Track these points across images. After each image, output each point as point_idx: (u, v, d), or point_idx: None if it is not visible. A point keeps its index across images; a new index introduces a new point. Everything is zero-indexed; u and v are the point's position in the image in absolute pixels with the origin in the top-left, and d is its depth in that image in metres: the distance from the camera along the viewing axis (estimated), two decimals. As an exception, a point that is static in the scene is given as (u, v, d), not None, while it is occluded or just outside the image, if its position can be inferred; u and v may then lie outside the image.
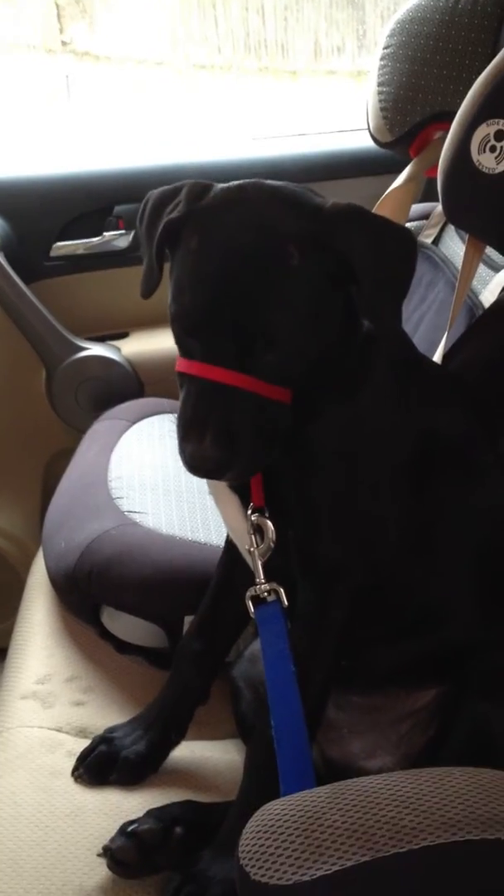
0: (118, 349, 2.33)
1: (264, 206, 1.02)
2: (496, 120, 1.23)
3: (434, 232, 1.84)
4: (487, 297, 1.54)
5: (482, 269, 1.57)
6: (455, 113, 1.30)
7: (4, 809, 1.22)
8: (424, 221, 1.87)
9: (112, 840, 1.15)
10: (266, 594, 1.16)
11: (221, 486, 1.19)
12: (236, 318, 0.98)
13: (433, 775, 0.90)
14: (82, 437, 2.05)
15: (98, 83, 4.04)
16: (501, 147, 1.24)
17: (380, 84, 1.63)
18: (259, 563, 1.16)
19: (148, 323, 2.33)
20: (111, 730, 1.34)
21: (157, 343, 2.29)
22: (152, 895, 1.12)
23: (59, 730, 1.38)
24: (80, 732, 1.38)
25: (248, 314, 0.98)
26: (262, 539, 1.15)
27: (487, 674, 1.18)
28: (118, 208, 2.32)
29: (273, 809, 0.88)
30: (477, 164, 1.26)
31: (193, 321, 1.01)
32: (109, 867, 1.13)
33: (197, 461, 1.01)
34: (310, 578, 1.15)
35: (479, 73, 1.27)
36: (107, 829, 1.17)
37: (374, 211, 1.58)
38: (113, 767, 1.28)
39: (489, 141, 1.24)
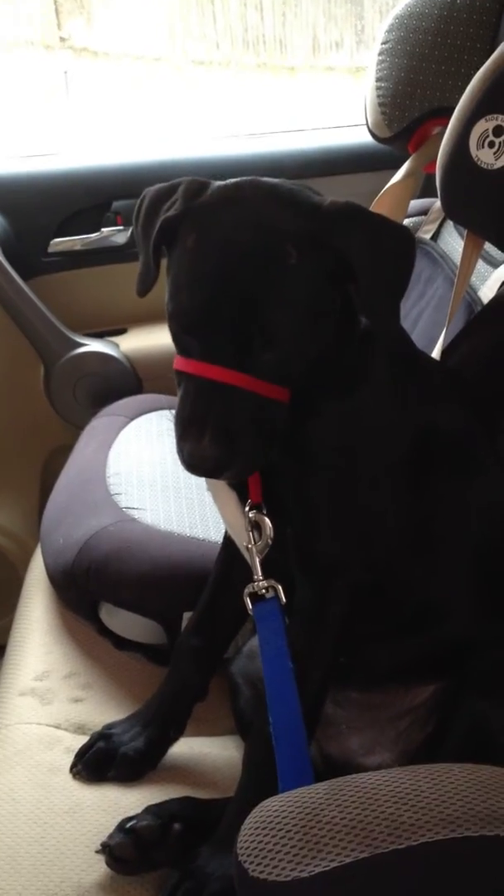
0: (116, 345, 2.33)
1: (262, 204, 1.02)
2: (495, 115, 1.23)
3: (433, 228, 1.83)
4: (486, 293, 1.54)
5: (481, 265, 1.56)
6: (453, 108, 1.29)
7: (3, 806, 1.22)
8: (423, 217, 1.87)
9: (110, 836, 1.15)
10: (264, 591, 1.16)
11: (220, 482, 1.19)
12: (234, 317, 0.98)
13: (432, 772, 0.90)
14: (80, 433, 2.05)
15: (96, 79, 4.03)
16: (500, 142, 1.23)
17: (378, 79, 1.62)
18: (257, 560, 1.16)
19: (146, 319, 2.33)
20: (109, 726, 1.34)
21: (155, 339, 2.28)
22: (151, 891, 1.12)
23: (57, 726, 1.38)
24: (79, 729, 1.38)
25: (246, 313, 0.98)
26: (260, 536, 1.15)
27: (486, 671, 1.19)
28: (116, 204, 2.32)
29: (271, 806, 0.88)
30: (475, 159, 1.25)
31: (191, 320, 1.01)
32: (108, 864, 1.13)
33: (195, 460, 1.01)
34: (308, 575, 1.15)
35: (478, 69, 1.27)
36: (105, 826, 1.17)
37: (372, 207, 1.59)
38: (111, 764, 1.28)
39: (488, 136, 1.24)
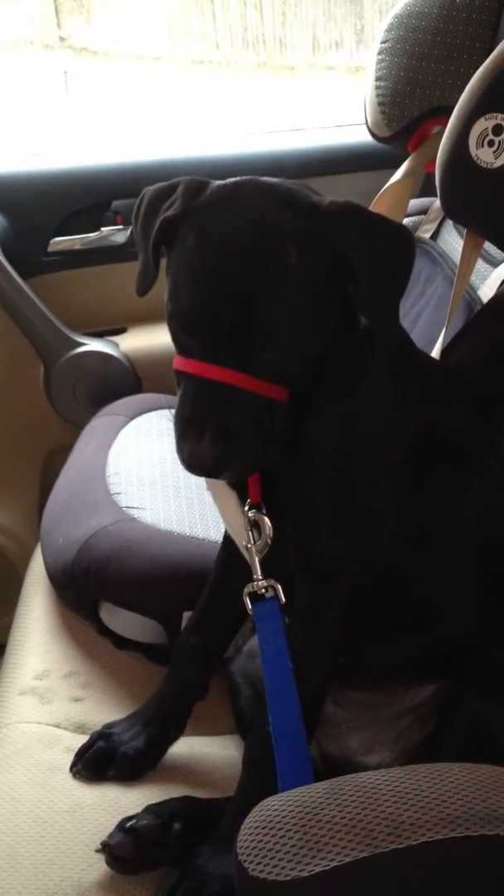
0: (116, 345, 2.33)
1: (261, 204, 1.02)
2: (494, 114, 1.23)
3: (432, 227, 1.83)
4: (486, 293, 1.54)
5: (480, 265, 1.56)
6: (453, 107, 1.29)
7: (2, 805, 1.22)
8: (423, 216, 1.87)
9: (110, 836, 1.15)
10: (264, 590, 1.16)
11: (219, 482, 1.19)
12: (234, 317, 0.98)
13: (432, 771, 0.90)
14: (80, 432, 2.05)
15: (96, 79, 4.03)
16: (499, 141, 1.23)
17: (377, 79, 1.62)
18: (256, 560, 1.16)
19: (146, 318, 2.33)
20: (109, 725, 1.34)
21: (155, 338, 2.28)
22: (150, 891, 1.12)
23: (57, 725, 1.38)
24: (79, 728, 1.38)
25: (245, 313, 0.98)
26: (260, 535, 1.15)
27: (486, 670, 1.18)
28: (116, 203, 2.32)
29: (271, 805, 0.88)
30: (475, 158, 1.25)
31: (191, 320, 1.01)
32: (108, 863, 1.13)
33: (195, 460, 1.01)
34: (307, 575, 1.15)
35: (477, 68, 1.26)
36: (105, 825, 1.17)
37: (371, 206, 1.59)
38: (111, 763, 1.28)
39: (487, 135, 1.24)
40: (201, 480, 1.24)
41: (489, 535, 1.24)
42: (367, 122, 1.68)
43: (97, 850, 1.15)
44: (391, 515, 1.16)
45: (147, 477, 1.77)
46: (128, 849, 1.13)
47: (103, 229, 2.32)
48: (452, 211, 1.38)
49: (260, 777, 1.11)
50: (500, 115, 1.23)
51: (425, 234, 1.83)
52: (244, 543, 1.17)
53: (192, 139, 2.60)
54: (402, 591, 1.21)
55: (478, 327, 1.43)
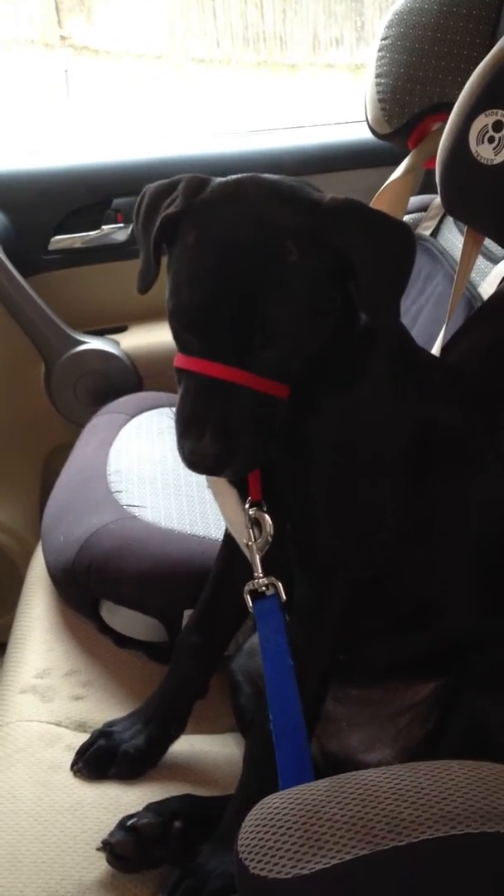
0: (117, 343, 2.33)
1: (262, 201, 1.02)
2: (494, 110, 1.23)
3: (432, 224, 1.83)
4: (486, 290, 1.53)
5: (481, 261, 1.56)
6: (453, 104, 1.29)
7: (3, 803, 1.23)
8: (423, 213, 1.87)
9: (111, 834, 1.15)
10: (264, 588, 1.16)
11: (220, 480, 1.19)
12: (234, 314, 0.98)
13: (432, 768, 0.90)
14: (81, 431, 2.05)
15: (97, 77, 4.03)
16: (500, 138, 1.23)
17: (378, 75, 1.62)
18: (257, 557, 1.16)
19: (147, 317, 2.32)
20: (110, 724, 1.34)
21: (155, 337, 2.28)
22: (151, 889, 1.12)
23: (58, 724, 1.38)
24: (80, 726, 1.38)
25: (246, 310, 0.98)
26: (261, 533, 1.15)
27: (486, 668, 1.18)
28: (116, 201, 2.32)
29: (272, 803, 0.88)
30: (475, 155, 1.25)
31: (191, 317, 1.01)
32: (109, 861, 1.13)
33: (196, 458, 1.01)
34: (308, 572, 1.15)
35: (477, 64, 1.26)
36: (106, 824, 1.18)
37: (372, 203, 1.58)
38: (112, 761, 1.28)
39: (487, 132, 1.24)
40: (202, 478, 1.24)
41: (489, 533, 1.24)
42: (367, 119, 1.68)
43: (98, 849, 1.15)
44: (391, 512, 1.16)
45: (148, 475, 1.77)
46: (129, 847, 1.13)
47: (104, 227, 2.32)
48: (453, 208, 1.38)
49: (261, 775, 1.11)
50: (500, 112, 1.23)
51: (426, 231, 1.83)
52: (245, 541, 1.17)
53: (192, 137, 2.59)
54: (402, 589, 1.21)
55: (478, 324, 1.43)
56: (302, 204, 1.02)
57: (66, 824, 1.19)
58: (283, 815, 0.85)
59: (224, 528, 1.32)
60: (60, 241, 2.31)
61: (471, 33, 1.58)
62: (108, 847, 1.14)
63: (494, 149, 1.24)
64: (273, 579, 1.15)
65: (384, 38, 1.64)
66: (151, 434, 1.97)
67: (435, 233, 1.82)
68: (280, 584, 1.15)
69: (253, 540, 1.15)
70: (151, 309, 2.14)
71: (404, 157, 1.67)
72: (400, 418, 1.16)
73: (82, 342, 2.28)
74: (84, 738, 1.32)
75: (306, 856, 0.81)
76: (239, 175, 1.06)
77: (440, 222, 1.83)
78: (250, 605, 1.16)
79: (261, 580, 1.16)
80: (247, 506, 1.15)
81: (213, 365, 1.00)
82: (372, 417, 1.13)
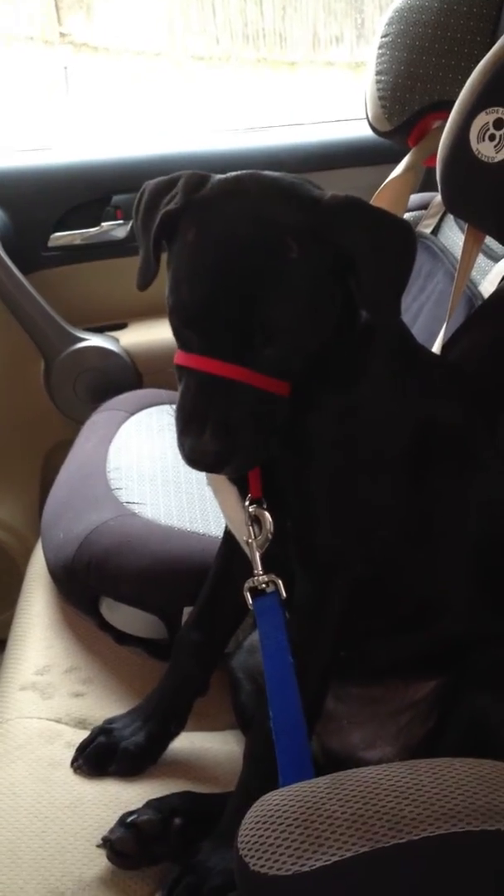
0: (116, 340, 2.33)
1: (262, 198, 1.01)
2: (495, 108, 1.23)
3: (433, 222, 1.83)
4: (487, 288, 1.53)
5: (481, 260, 1.56)
6: (454, 102, 1.29)
7: (4, 800, 1.23)
8: (423, 211, 1.87)
9: (111, 831, 1.15)
10: (264, 585, 1.16)
11: (220, 477, 1.19)
12: (235, 312, 0.98)
13: (433, 766, 0.90)
14: (81, 428, 2.05)
15: (96, 74, 4.03)
16: (500, 136, 1.23)
17: (378, 73, 1.62)
18: (257, 555, 1.16)
19: (146, 314, 2.32)
20: (110, 721, 1.34)
21: (155, 334, 2.28)
22: (152, 886, 1.12)
23: (58, 721, 1.39)
24: (80, 723, 1.38)
25: (246, 308, 0.98)
26: (261, 530, 1.15)
27: (486, 666, 1.18)
28: (116, 198, 2.31)
29: (272, 800, 0.88)
30: (476, 152, 1.25)
31: (192, 314, 1.01)
32: (109, 858, 1.13)
33: (196, 455, 1.01)
34: (308, 569, 1.15)
35: (478, 62, 1.26)
36: (106, 820, 1.18)
37: (372, 201, 1.58)
38: (112, 758, 1.28)
39: (488, 129, 1.23)
40: (202, 476, 1.24)
41: (489, 532, 1.24)
42: (367, 117, 1.68)
43: (98, 845, 1.15)
44: (391, 510, 1.16)
45: (147, 472, 1.77)
46: (129, 844, 1.13)
47: (103, 224, 2.32)
48: (453, 206, 1.38)
49: (261, 772, 1.11)
50: (500, 109, 1.23)
51: (426, 229, 1.83)
52: (245, 538, 1.17)
53: (192, 134, 2.59)
54: (402, 587, 1.21)
55: (479, 322, 1.43)
56: (302, 201, 1.02)
57: (67, 821, 1.19)
58: (284, 812, 0.85)
59: (224, 525, 1.32)
60: (60, 237, 2.31)
61: (471, 31, 1.58)
62: (108, 844, 1.14)
63: (495, 146, 1.24)
64: (273, 577, 1.15)
65: (384, 36, 1.64)
66: (151, 431, 1.97)
67: (435, 231, 1.82)
68: (280, 582, 1.15)
69: (253, 537, 1.15)
70: (151, 306, 2.13)
71: (405, 155, 1.67)
72: (400, 416, 1.16)
73: (82, 339, 2.28)
74: (84, 734, 1.32)
75: (307, 853, 0.81)
76: (239, 172, 1.06)
77: (441, 220, 1.83)
78: (250, 602, 1.16)
79: (261, 577, 1.15)
80: (247, 503, 1.15)
81: (213, 362, 0.99)
82: (372, 415, 1.13)
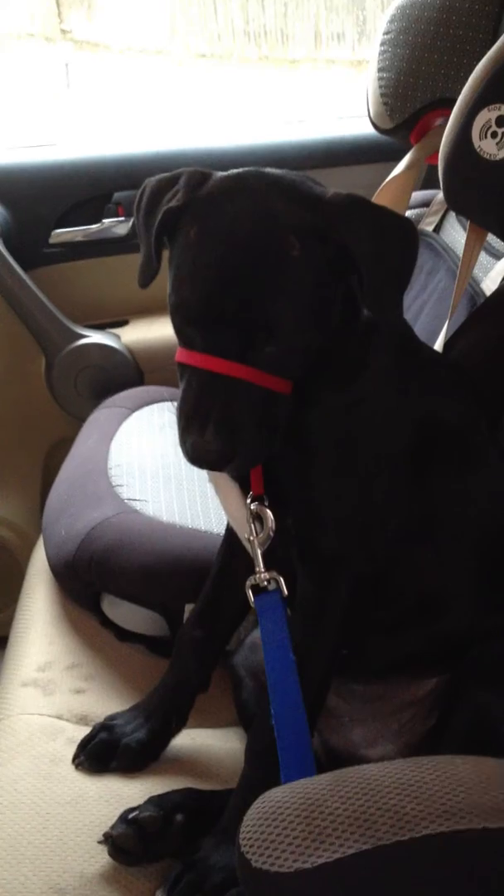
0: (118, 337, 2.33)
1: (264, 195, 1.01)
2: (497, 105, 1.23)
3: (435, 219, 1.83)
4: (489, 285, 1.53)
5: (484, 257, 1.56)
6: (456, 99, 1.29)
7: (5, 797, 1.23)
8: (425, 209, 1.87)
9: (113, 827, 1.15)
10: (266, 583, 1.16)
11: (222, 474, 1.19)
12: (237, 310, 0.98)
13: (435, 763, 0.90)
14: (82, 425, 2.05)
15: (97, 72, 4.03)
16: (503, 132, 1.23)
17: (380, 70, 1.62)
18: (259, 552, 1.16)
19: (148, 311, 2.33)
20: (112, 717, 1.34)
21: (156, 331, 2.29)
22: (153, 882, 1.12)
23: (59, 717, 1.39)
24: (81, 720, 1.38)
25: (248, 305, 0.98)
26: (262, 527, 1.15)
27: (488, 663, 1.18)
28: (117, 195, 2.32)
29: (274, 797, 0.88)
30: (478, 150, 1.25)
31: (194, 312, 1.00)
32: (110, 854, 1.13)
33: (199, 453, 1.00)
34: (309, 567, 1.15)
35: (480, 59, 1.26)
36: (107, 817, 1.18)
37: (374, 198, 1.58)
38: (114, 755, 1.28)
39: (490, 126, 1.23)
40: (203, 473, 1.24)
41: (491, 528, 1.24)
42: (369, 114, 1.68)
43: (100, 842, 1.15)
44: (392, 507, 1.16)
45: (149, 469, 1.77)
46: (130, 840, 1.13)
47: (105, 221, 2.32)
48: (455, 203, 1.38)
49: (263, 769, 1.11)
50: (503, 106, 1.23)
51: (428, 226, 1.83)
52: (247, 536, 1.17)
53: (193, 131, 2.59)
54: (403, 584, 1.21)
55: (480, 320, 1.43)
56: (304, 199, 1.02)
57: (68, 817, 1.19)
58: (285, 808, 0.85)
59: (225, 522, 1.32)
60: (61, 234, 2.31)
61: (473, 28, 1.58)
62: (109, 840, 1.14)
63: (497, 143, 1.24)
64: (275, 574, 1.15)
65: (387, 33, 1.64)
66: (153, 428, 1.97)
67: (437, 228, 1.82)
68: (282, 579, 1.15)
69: (255, 535, 1.15)
70: (152, 303, 2.14)
71: (407, 153, 1.67)
72: (402, 413, 1.16)
73: (83, 336, 2.28)
74: (86, 731, 1.32)
75: (308, 850, 0.81)
76: (241, 169, 1.06)
77: (443, 218, 1.83)
78: (252, 599, 1.16)
79: (262, 575, 1.16)
80: (248, 500, 1.15)
81: (215, 360, 0.99)
82: (374, 412, 1.13)
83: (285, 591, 1.15)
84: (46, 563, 1.67)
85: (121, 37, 4.00)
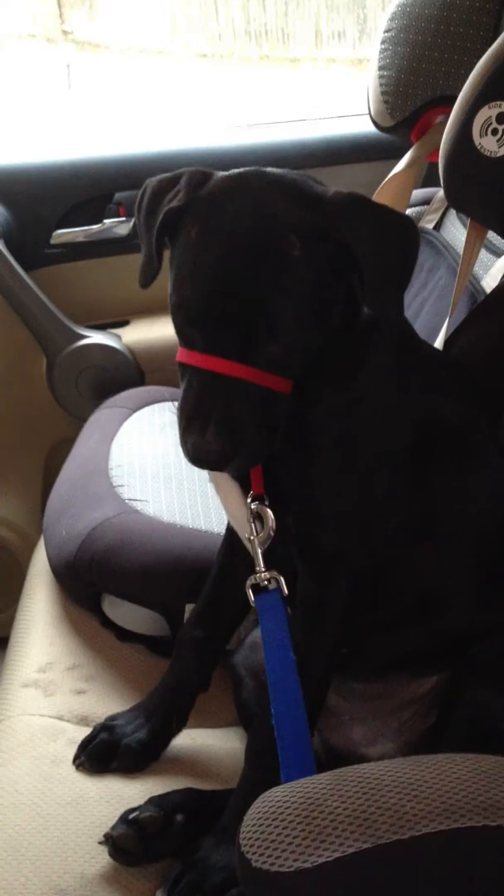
0: (119, 337, 2.33)
1: (265, 195, 1.01)
2: (498, 102, 1.23)
3: (435, 217, 1.83)
4: (489, 283, 1.53)
5: (484, 255, 1.56)
6: (456, 96, 1.29)
7: (6, 797, 1.23)
8: (426, 207, 1.87)
9: (113, 827, 1.15)
10: (266, 582, 1.16)
11: (222, 474, 1.18)
12: (238, 310, 0.98)
13: (435, 762, 0.90)
14: (83, 425, 2.05)
15: (99, 72, 4.03)
16: (503, 130, 1.23)
17: (381, 68, 1.62)
18: (259, 552, 1.16)
19: (149, 311, 2.33)
20: (112, 718, 1.34)
21: (157, 331, 2.29)
22: (153, 882, 1.12)
23: (60, 718, 1.38)
24: (82, 720, 1.38)
25: (249, 305, 0.98)
26: (263, 527, 1.15)
27: (488, 661, 1.18)
28: (118, 195, 2.32)
29: (274, 796, 0.88)
30: (479, 147, 1.25)
31: (194, 312, 1.00)
32: (111, 854, 1.13)
33: (199, 453, 1.00)
34: (309, 564, 1.15)
35: (481, 56, 1.26)
36: (108, 817, 1.18)
37: (374, 196, 1.58)
38: (114, 755, 1.28)
39: (491, 124, 1.23)
40: (204, 473, 1.24)
41: (491, 527, 1.24)
42: (370, 112, 1.68)
43: (100, 842, 1.15)
44: (393, 505, 1.16)
45: (150, 469, 1.77)
46: (130, 840, 1.13)
47: (106, 221, 2.32)
48: (456, 201, 1.38)
49: (263, 768, 1.11)
50: (503, 103, 1.23)
51: (428, 224, 1.83)
52: (247, 535, 1.17)
53: (194, 131, 2.59)
54: (403, 582, 1.21)
55: (481, 318, 1.43)
56: (305, 198, 1.01)
57: (69, 818, 1.19)
58: (286, 808, 0.85)
59: (226, 522, 1.31)
60: (62, 235, 2.31)
61: (474, 25, 1.57)
62: (110, 840, 1.14)
63: (498, 141, 1.24)
64: (275, 573, 1.15)
65: (387, 31, 1.63)
66: (153, 428, 1.97)
67: (438, 226, 1.82)
68: (282, 579, 1.15)
69: (255, 534, 1.15)
70: (154, 303, 2.15)
71: (407, 151, 1.67)
72: (402, 412, 1.16)
73: (84, 336, 2.28)
74: (86, 731, 1.32)
75: (308, 849, 0.81)
76: (242, 169, 1.06)
77: (443, 215, 1.83)
78: (252, 599, 1.16)
79: (263, 574, 1.16)
80: (249, 500, 1.15)
81: (216, 360, 0.99)
82: (374, 411, 1.13)
83: (285, 591, 1.15)
84: (47, 563, 1.67)
85: (122, 37, 4.00)
